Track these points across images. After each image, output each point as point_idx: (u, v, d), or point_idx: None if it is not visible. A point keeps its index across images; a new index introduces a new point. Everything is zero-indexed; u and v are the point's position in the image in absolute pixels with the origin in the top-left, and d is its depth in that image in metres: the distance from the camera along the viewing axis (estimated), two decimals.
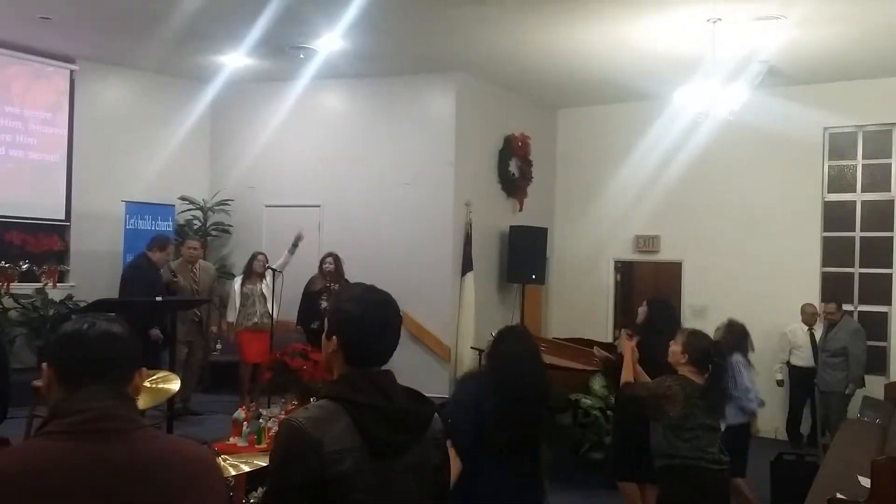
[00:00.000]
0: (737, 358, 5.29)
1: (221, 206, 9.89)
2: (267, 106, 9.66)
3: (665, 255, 9.83)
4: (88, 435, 1.50)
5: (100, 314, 1.70)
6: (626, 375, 4.16)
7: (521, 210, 9.84)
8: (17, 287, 8.40)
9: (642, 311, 5.07)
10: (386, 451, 1.83)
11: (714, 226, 9.33)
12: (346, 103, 9.57)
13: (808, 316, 8.30)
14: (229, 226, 9.97)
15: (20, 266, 8.51)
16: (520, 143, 9.73)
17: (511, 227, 9.41)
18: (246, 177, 9.83)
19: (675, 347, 3.89)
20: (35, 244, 8.76)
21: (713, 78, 6.98)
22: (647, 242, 9.90)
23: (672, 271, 9.72)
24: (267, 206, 9.72)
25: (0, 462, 1.47)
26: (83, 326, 1.62)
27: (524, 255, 9.27)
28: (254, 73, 9.19)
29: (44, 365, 1.62)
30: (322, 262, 8.14)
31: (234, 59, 8.68)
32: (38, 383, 6.02)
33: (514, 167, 9.73)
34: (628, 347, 4.28)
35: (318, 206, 9.40)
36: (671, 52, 7.54)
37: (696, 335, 3.94)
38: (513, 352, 3.28)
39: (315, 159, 9.47)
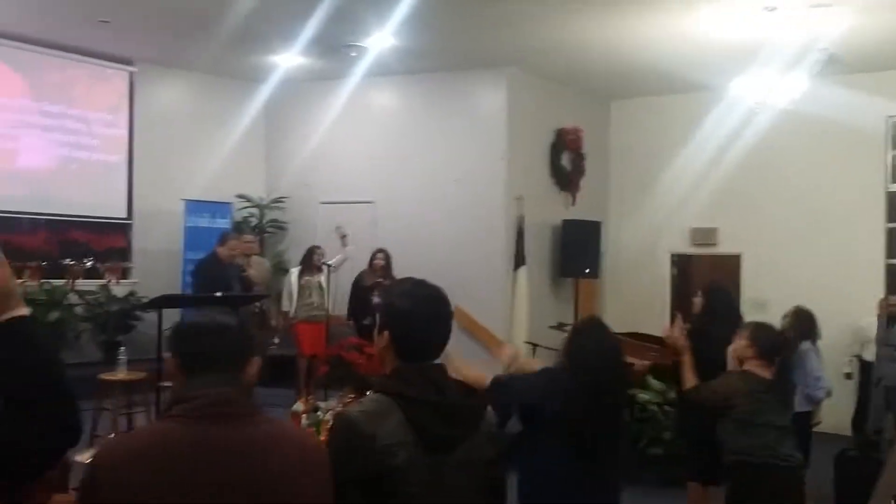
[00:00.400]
0: (806, 345, 5.14)
1: (277, 204, 10.05)
2: (320, 104, 9.78)
3: (723, 247, 9.63)
4: (208, 418, 1.60)
5: (216, 309, 1.82)
6: (690, 379, 3.99)
7: (574, 204, 9.75)
8: (82, 284, 8.69)
9: (698, 300, 4.90)
10: (438, 445, 1.84)
11: (773, 218, 9.10)
12: (397, 100, 9.62)
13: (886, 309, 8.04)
14: (285, 223, 10.13)
15: (85, 263, 8.80)
16: (572, 137, 9.64)
17: (564, 221, 9.33)
18: (300, 174, 9.97)
19: (740, 341, 3.73)
20: (98, 242, 9.05)
21: (770, 67, 6.80)
22: (704, 235, 9.71)
23: (730, 264, 9.51)
24: (321, 203, 9.83)
25: (129, 441, 1.62)
26: (202, 320, 1.75)
27: (578, 250, 9.19)
28: (306, 72, 9.30)
29: (167, 355, 1.74)
30: (373, 257, 8.21)
31: (288, 59, 8.80)
32: (103, 377, 6.23)
33: (567, 161, 9.65)
34: (685, 350, 4.11)
35: (372, 203, 9.47)
36: (727, 42, 7.37)
37: (763, 328, 3.79)
38: (591, 345, 3.13)
39: (367, 156, 9.55)
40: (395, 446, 1.78)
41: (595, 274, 9.47)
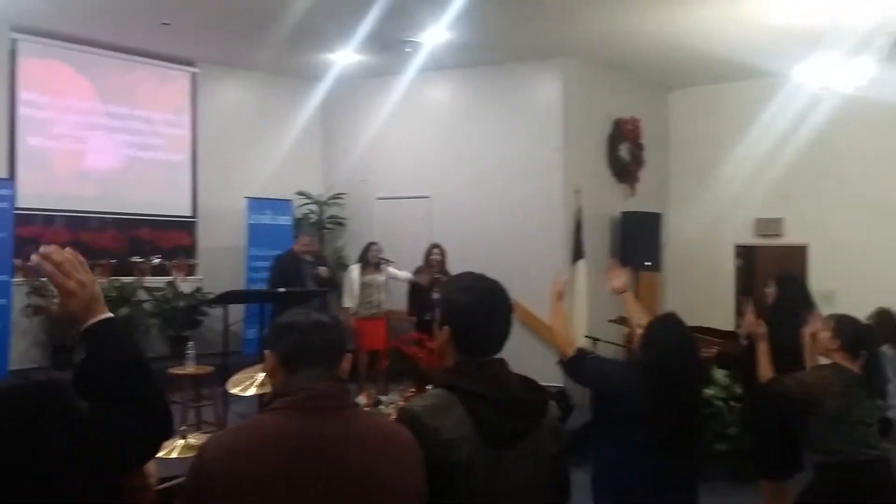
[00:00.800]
0: (885, 349, 4.91)
1: (335, 200, 10.17)
2: (375, 100, 9.85)
3: (789, 238, 9.37)
4: (309, 411, 1.66)
5: (308, 307, 1.92)
6: (766, 370, 3.85)
7: (633, 195, 9.61)
8: (150, 280, 8.94)
9: (771, 290, 4.74)
10: (500, 439, 1.84)
11: (841, 207, 8.81)
12: (452, 95, 9.62)
13: None
14: (343, 218, 10.25)
15: (152, 261, 9.07)
16: (630, 127, 9.51)
17: (623, 213, 9.21)
18: (357, 170, 10.08)
19: (824, 333, 3.58)
20: (165, 240, 9.31)
21: (835, 52, 6.57)
22: (769, 225, 9.47)
23: (797, 255, 9.25)
24: (378, 199, 9.92)
25: (236, 435, 1.68)
26: (298, 318, 1.80)
27: (637, 242, 9.06)
28: (362, 68, 9.38)
29: (266, 352, 1.79)
30: (429, 253, 8.22)
31: (344, 56, 8.89)
32: (172, 371, 6.40)
33: (625, 151, 9.52)
34: (763, 338, 3.95)
35: (427, 198, 9.51)
36: (790, 26, 7.15)
37: (847, 319, 3.62)
38: (667, 340, 3.07)
39: (423, 151, 9.59)
40: (458, 440, 1.79)
41: (656, 267, 9.32)
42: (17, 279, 7.83)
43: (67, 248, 1.56)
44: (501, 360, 1.95)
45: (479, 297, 1.94)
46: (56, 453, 1.35)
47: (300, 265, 7.57)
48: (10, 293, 7.50)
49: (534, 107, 8.93)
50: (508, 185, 8.92)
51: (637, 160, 9.63)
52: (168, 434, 1.65)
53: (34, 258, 1.53)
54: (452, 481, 1.79)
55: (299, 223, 9.80)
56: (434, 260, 8.14)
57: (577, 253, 8.66)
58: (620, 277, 3.72)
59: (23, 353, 7.80)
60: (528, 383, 1.96)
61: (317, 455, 1.61)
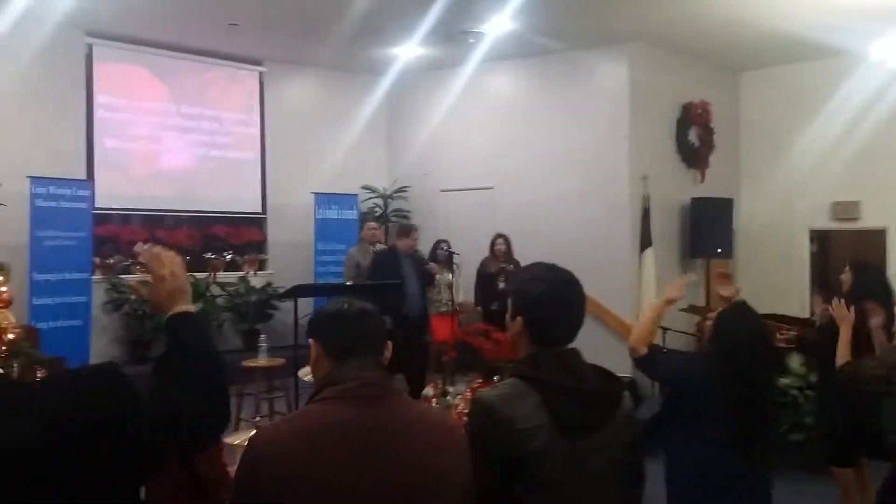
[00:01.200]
0: None
1: (400, 193, 10.25)
2: (438, 93, 9.88)
3: (866, 221, 9.02)
4: (358, 400, 1.68)
5: (347, 297, 1.90)
6: (845, 354, 3.71)
7: (702, 181, 9.40)
8: (223, 276, 9.18)
9: (846, 276, 4.60)
10: (576, 429, 1.83)
11: None
12: (516, 84, 9.57)
13: None
14: (408, 211, 10.32)
15: (225, 257, 9.32)
16: (700, 111, 9.29)
17: (693, 199, 9.02)
18: (421, 163, 10.14)
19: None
20: (237, 236, 9.54)
21: None
22: (846, 209, 9.13)
23: (875, 240, 8.90)
24: (442, 191, 9.95)
25: (288, 425, 1.69)
26: (343, 307, 1.81)
27: (708, 228, 8.86)
28: (425, 61, 9.41)
29: (311, 341, 1.81)
30: (493, 243, 8.18)
31: (407, 50, 8.94)
32: (245, 363, 6.57)
33: (694, 136, 9.31)
34: (847, 321, 3.82)
35: (491, 188, 9.49)
36: (865, 3, 6.86)
37: None
38: (739, 330, 3.02)
39: (486, 142, 9.57)
40: (533, 430, 1.79)
41: (727, 253, 9.11)
42: (97, 277, 8.15)
43: (170, 250, 1.70)
44: (576, 350, 1.94)
45: (553, 287, 1.92)
46: (116, 431, 1.39)
47: (400, 261, 7.52)
48: (90, 290, 7.78)
49: (599, 94, 8.81)
50: (574, 173, 8.82)
51: (707, 145, 9.41)
52: (225, 424, 1.67)
53: (139, 247, 1.70)
54: (528, 470, 1.78)
55: (364, 217, 9.90)
56: (499, 250, 8.12)
57: (645, 241, 8.52)
58: (678, 290, 3.67)
59: (103, 348, 8.10)
60: (603, 373, 1.95)
61: (369, 443, 1.63)
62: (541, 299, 1.91)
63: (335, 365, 1.74)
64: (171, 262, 1.67)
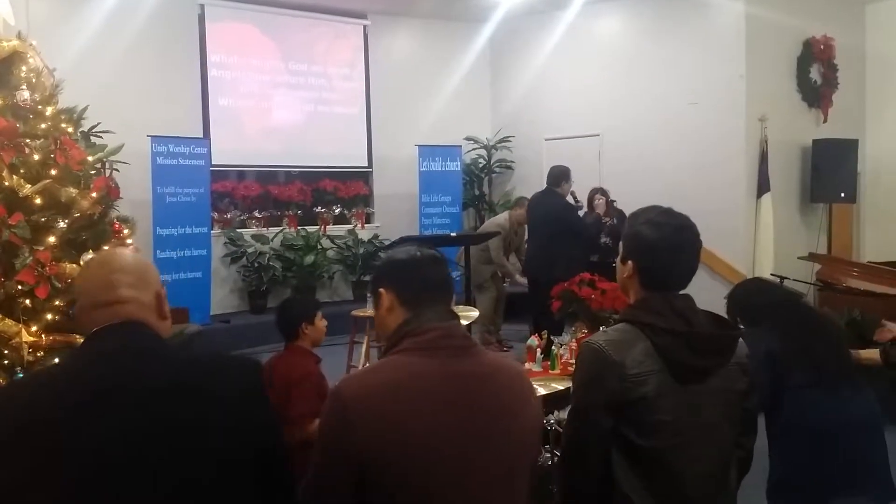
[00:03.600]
0: None
1: (503, 143, 10.17)
2: (541, 38, 9.66)
3: None
4: (438, 350, 1.65)
5: (409, 242, 1.89)
6: None
7: (825, 121, 8.85)
8: (332, 229, 9.43)
9: None
10: (689, 375, 1.80)
11: None
12: (622, 25, 9.22)
13: None
14: (511, 162, 10.24)
15: (334, 210, 9.55)
16: (822, 47, 8.71)
17: (814, 140, 8.51)
18: (525, 112, 9.99)
19: None
20: (345, 190, 9.75)
21: None
22: None
23: None
24: (546, 140, 9.79)
25: (373, 375, 1.67)
26: (416, 254, 1.77)
27: (830, 172, 8.36)
28: (528, 6, 9.21)
29: (381, 290, 1.75)
30: (591, 199, 7.91)
31: None
32: (355, 313, 6.75)
33: (816, 74, 8.75)
34: None
35: (598, 136, 9.26)
36: None
37: None
38: (768, 303, 3.03)
39: (592, 88, 9.31)
40: (645, 375, 1.77)
41: (851, 198, 8.58)
42: (216, 231, 8.52)
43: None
44: (687, 296, 1.89)
45: (667, 232, 1.87)
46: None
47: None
48: (209, 244, 8.15)
49: (713, 32, 8.38)
50: (685, 117, 8.48)
51: (830, 83, 8.83)
52: None
53: None
54: (638, 414, 1.77)
55: (468, 169, 9.85)
56: (599, 205, 7.90)
57: (763, 186, 8.14)
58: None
59: (222, 299, 8.52)
60: (717, 319, 1.90)
61: (454, 392, 1.61)
62: (653, 244, 1.86)
63: (412, 314, 1.70)
64: None
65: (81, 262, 3.35)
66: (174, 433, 1.39)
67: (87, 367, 1.46)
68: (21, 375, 2.98)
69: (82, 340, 1.55)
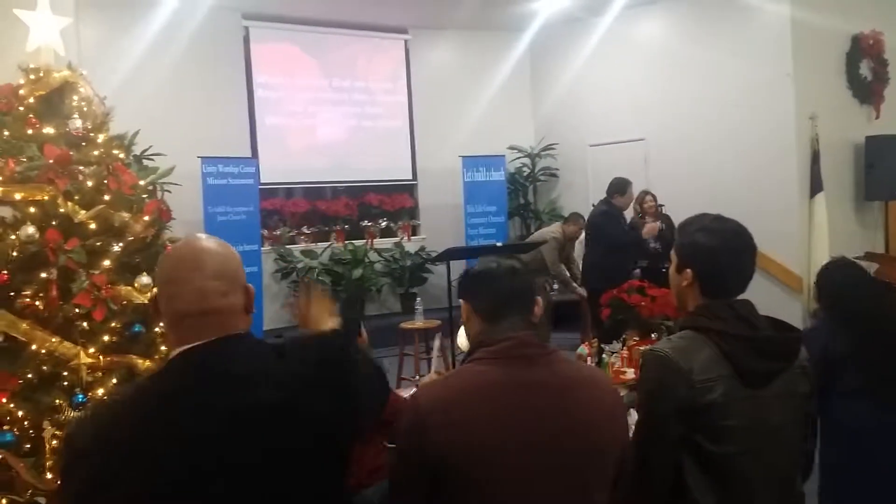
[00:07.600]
0: None
1: (547, 151, 10.13)
2: (581, 45, 9.63)
3: None
4: (513, 360, 1.71)
5: (494, 255, 1.96)
6: None
7: (877, 117, 8.62)
8: (379, 242, 9.50)
9: None
10: (756, 379, 1.79)
11: None
12: (662, 28, 9.12)
13: None
14: (556, 169, 10.20)
15: (380, 224, 9.62)
16: (871, 42, 8.50)
17: (867, 137, 8.29)
18: (567, 119, 9.95)
19: None
20: (390, 203, 9.82)
21: None
22: None
23: None
24: (591, 146, 9.73)
25: (448, 386, 1.73)
26: (492, 266, 1.84)
27: (885, 168, 8.13)
28: (567, 13, 9.20)
29: (462, 302, 1.85)
30: (641, 201, 7.81)
31: (548, 3, 8.76)
32: (403, 325, 6.78)
33: (866, 69, 8.53)
34: None
35: (643, 140, 9.17)
36: None
37: None
38: (844, 284, 2.99)
39: (635, 92, 9.23)
40: (713, 380, 1.76)
41: None
42: (266, 248, 8.65)
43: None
44: (748, 302, 1.89)
45: (724, 237, 1.88)
46: (347, 396, 1.51)
47: (622, 219, 7.33)
48: (260, 261, 8.28)
49: (757, 31, 8.24)
50: (732, 118, 8.35)
51: (881, 78, 8.61)
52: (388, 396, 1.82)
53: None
54: (708, 421, 1.76)
55: (512, 178, 9.83)
56: (648, 208, 7.81)
57: (816, 186, 7.97)
58: None
59: (274, 314, 8.63)
60: (779, 323, 1.89)
61: (529, 401, 1.65)
62: (712, 250, 1.87)
63: (486, 325, 1.77)
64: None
65: (136, 285, 3.43)
66: (290, 458, 1.37)
67: (199, 392, 1.37)
68: (106, 398, 2.93)
69: (172, 356, 1.44)
